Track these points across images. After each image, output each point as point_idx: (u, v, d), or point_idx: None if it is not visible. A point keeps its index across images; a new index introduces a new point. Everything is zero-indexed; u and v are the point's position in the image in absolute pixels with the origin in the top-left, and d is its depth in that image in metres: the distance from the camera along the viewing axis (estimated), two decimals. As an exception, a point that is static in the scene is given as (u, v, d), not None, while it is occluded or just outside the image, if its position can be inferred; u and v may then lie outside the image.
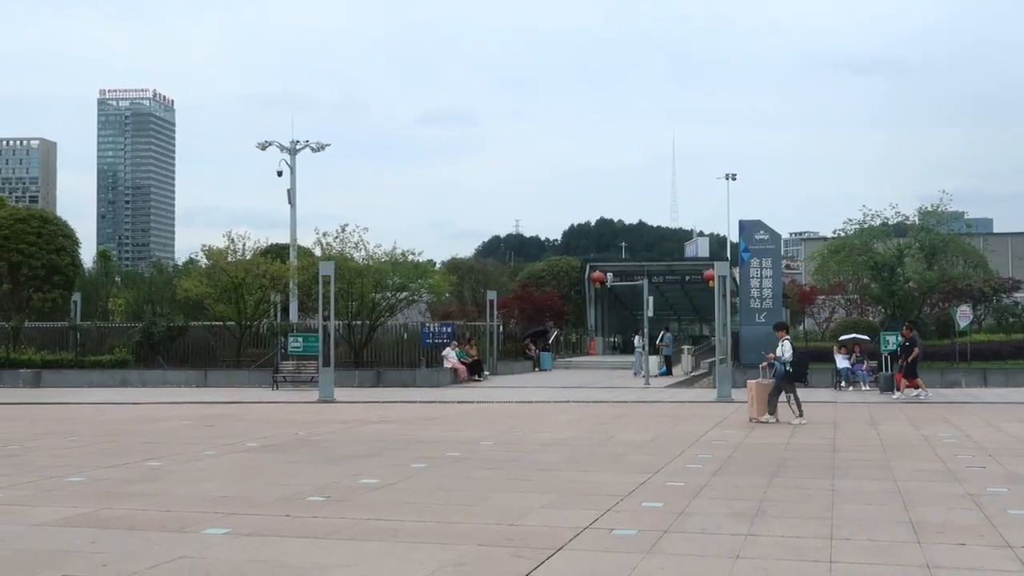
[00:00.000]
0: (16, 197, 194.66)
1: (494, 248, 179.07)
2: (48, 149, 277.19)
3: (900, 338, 29.04)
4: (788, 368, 20.68)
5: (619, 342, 72.12)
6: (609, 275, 60.64)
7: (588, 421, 21.89)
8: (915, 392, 27.83)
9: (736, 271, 41.15)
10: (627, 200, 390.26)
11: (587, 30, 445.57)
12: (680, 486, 12.00)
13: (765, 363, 22.84)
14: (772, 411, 20.54)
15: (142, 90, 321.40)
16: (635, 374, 40.17)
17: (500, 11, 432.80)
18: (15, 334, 40.63)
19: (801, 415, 20.39)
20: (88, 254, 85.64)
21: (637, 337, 41.89)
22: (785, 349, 20.79)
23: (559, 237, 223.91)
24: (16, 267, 43.07)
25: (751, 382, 21.30)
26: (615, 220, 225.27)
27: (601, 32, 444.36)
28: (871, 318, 48.36)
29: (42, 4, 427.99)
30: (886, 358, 31.34)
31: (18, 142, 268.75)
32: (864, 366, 32.84)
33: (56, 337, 41.72)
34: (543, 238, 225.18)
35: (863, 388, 32.02)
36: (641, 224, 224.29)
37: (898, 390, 28.50)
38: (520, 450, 16.16)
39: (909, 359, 27.79)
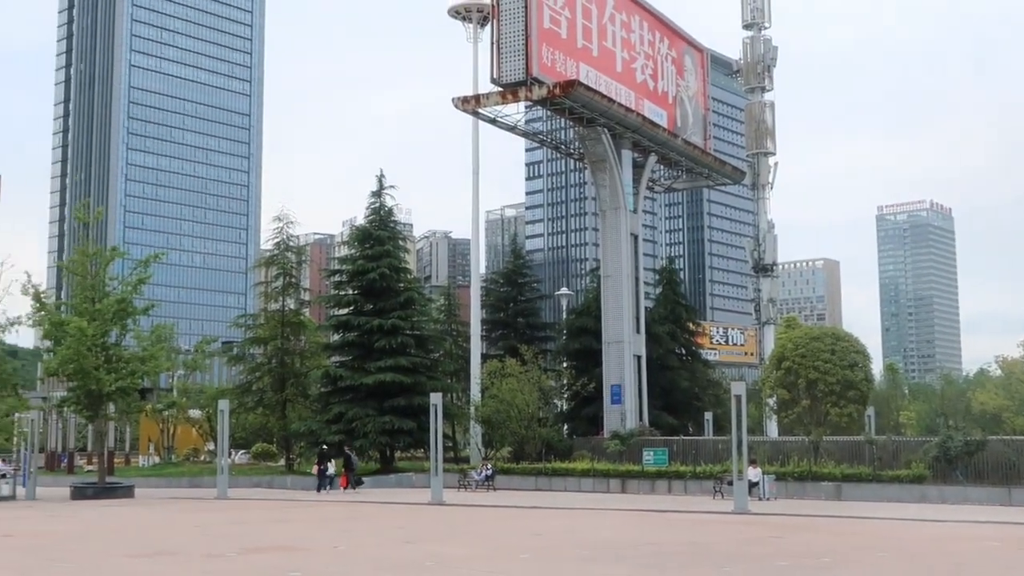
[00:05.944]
0: (804, 316, 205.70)
1: None
2: (831, 268, 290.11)
3: None
4: None
5: None
6: None
7: None
8: None
9: None
10: None
11: None
12: None
13: None
14: None
15: (919, 201, 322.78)
16: None
17: None
18: (815, 448, 42.65)
19: None
20: (876, 368, 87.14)
21: None
22: None
23: None
24: (813, 383, 45.20)
25: None
26: None
27: None
28: None
29: (815, 132, 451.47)
30: None
31: (804, 263, 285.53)
32: None
33: (852, 451, 42.79)
34: None
35: None
36: None
37: None
38: None
39: None
